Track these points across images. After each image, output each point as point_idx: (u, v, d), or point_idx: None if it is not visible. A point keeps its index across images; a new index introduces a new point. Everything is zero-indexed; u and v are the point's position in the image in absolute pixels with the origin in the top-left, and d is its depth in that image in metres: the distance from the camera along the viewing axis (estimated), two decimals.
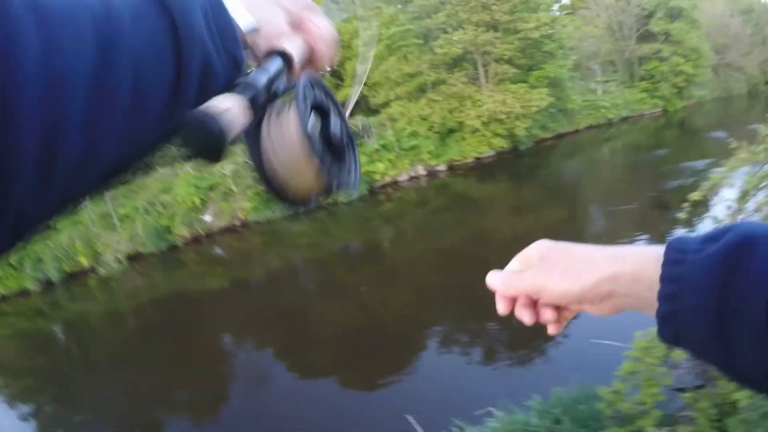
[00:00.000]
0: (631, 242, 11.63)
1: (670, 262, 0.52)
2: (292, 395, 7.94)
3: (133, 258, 20.81)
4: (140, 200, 21.98)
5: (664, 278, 0.52)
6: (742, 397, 3.05)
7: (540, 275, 0.60)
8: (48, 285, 20.21)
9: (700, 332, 0.50)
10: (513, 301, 0.63)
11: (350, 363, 8.98)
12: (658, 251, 0.54)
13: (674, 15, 29.68)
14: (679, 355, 3.90)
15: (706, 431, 3.44)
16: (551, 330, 0.63)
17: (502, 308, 0.64)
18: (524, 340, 8.61)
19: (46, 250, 20.77)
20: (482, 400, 5.07)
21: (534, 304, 0.62)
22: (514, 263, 0.65)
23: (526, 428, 4.39)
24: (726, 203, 5.42)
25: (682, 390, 4.43)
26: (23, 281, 20.27)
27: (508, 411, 4.69)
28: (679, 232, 10.84)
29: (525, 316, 0.62)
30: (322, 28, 0.59)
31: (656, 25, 29.65)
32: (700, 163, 15.83)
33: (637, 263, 0.55)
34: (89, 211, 21.35)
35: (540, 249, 0.62)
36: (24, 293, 19.97)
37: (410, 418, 4.62)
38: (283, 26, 0.55)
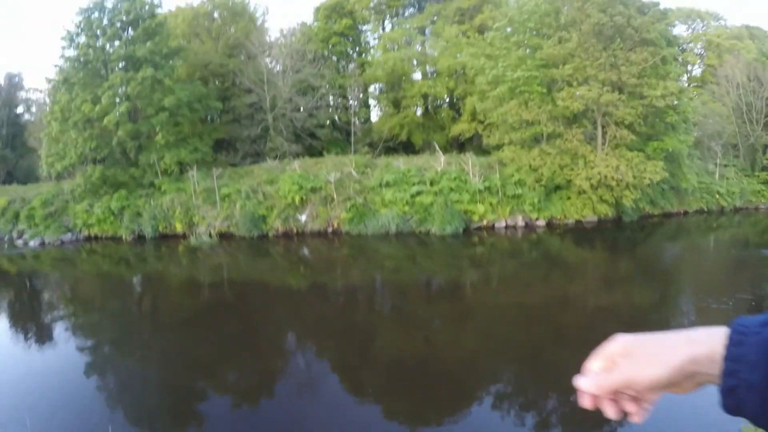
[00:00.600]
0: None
1: (732, 343, 0.60)
2: (335, 409, 7.96)
3: (224, 236, 21.95)
4: (244, 185, 23.13)
5: (726, 357, 0.59)
6: None
7: (627, 369, 0.65)
8: (139, 238, 21.74)
9: (757, 404, 0.57)
10: (596, 397, 0.68)
11: (401, 393, 8.86)
12: (725, 332, 0.62)
13: None
14: None
15: None
16: (636, 419, 0.68)
17: (588, 404, 0.69)
18: (584, 420, 8.41)
19: (148, 207, 22.56)
20: None
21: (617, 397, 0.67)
22: (597, 362, 0.69)
23: None
24: None
25: None
26: (118, 229, 22.09)
27: None
28: None
29: (610, 410, 0.68)
30: None
31: None
32: None
33: (710, 344, 0.62)
34: (195, 183, 22.65)
35: (620, 345, 0.68)
36: (116, 239, 21.47)
37: None
38: None
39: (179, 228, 22.38)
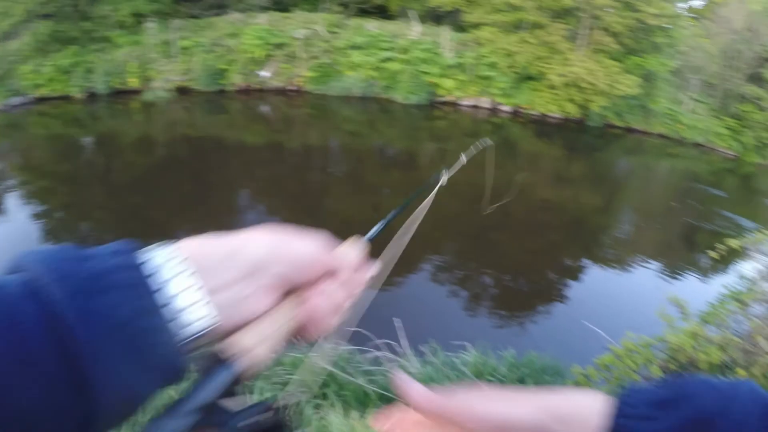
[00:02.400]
0: (644, 263, 11.57)
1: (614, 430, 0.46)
2: None
3: (182, 91, 20.75)
4: (205, 38, 21.54)
5: None
6: None
7: None
8: (92, 96, 20.16)
9: None
10: None
11: None
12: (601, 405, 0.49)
13: None
14: (657, 371, 3.99)
15: None
16: None
17: None
18: (519, 299, 8.76)
19: (100, 62, 20.56)
20: (461, 334, 5.19)
21: None
22: None
23: (494, 374, 4.57)
24: (758, 266, 5.37)
25: None
26: (69, 87, 20.06)
27: (483, 352, 4.89)
28: (692, 277, 10.67)
29: None
30: (324, 302, 0.51)
31: None
32: (744, 221, 15.12)
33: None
34: (152, 34, 21.10)
35: None
36: (67, 98, 20.05)
37: (397, 322, 4.80)
38: (258, 307, 0.46)
39: (134, 83, 20.81)
